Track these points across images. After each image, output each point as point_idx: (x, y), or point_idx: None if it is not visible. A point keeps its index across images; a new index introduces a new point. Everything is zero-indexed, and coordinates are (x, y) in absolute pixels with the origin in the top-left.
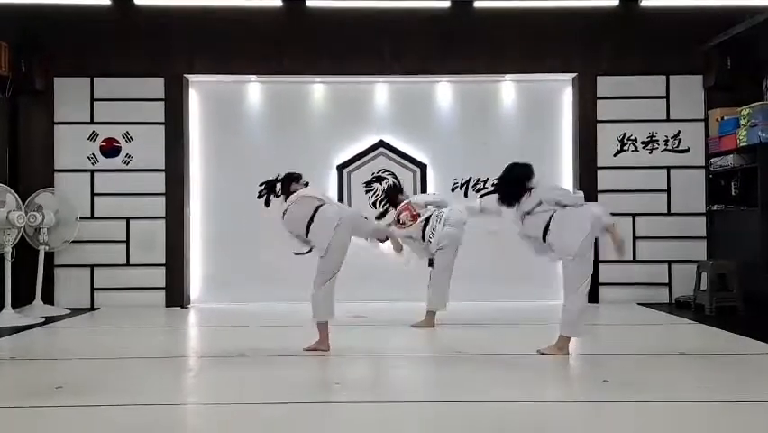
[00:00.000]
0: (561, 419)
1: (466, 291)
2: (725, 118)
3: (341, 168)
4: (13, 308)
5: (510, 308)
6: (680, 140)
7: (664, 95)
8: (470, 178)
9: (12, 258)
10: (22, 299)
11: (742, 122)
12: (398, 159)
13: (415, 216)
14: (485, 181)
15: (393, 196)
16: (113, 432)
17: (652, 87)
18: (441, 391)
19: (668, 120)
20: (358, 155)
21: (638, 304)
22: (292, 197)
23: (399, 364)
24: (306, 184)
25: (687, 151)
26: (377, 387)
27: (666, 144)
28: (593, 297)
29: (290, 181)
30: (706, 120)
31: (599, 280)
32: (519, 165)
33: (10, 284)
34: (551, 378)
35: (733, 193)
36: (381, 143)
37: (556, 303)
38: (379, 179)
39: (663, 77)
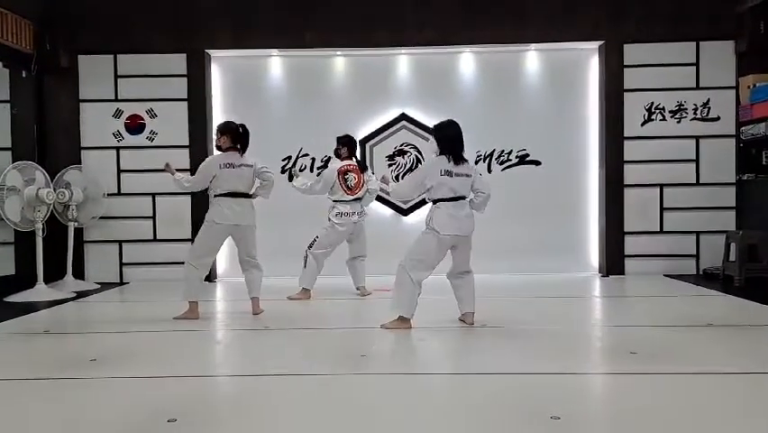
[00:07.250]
0: (589, 390)
1: (493, 264)
2: (757, 85)
3: (363, 142)
4: (46, 283)
5: (533, 281)
6: (709, 108)
7: (694, 62)
8: (494, 150)
9: (43, 234)
10: (53, 274)
11: None
12: (421, 132)
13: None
14: (509, 153)
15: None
16: (147, 403)
17: (681, 54)
18: (465, 363)
19: (697, 88)
20: (380, 129)
21: (665, 276)
22: None
23: (423, 336)
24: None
25: (717, 119)
26: (403, 358)
27: (695, 113)
28: (620, 268)
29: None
30: (737, 87)
31: (625, 253)
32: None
33: (42, 260)
34: (578, 350)
35: (764, 162)
36: (404, 116)
37: (584, 275)
38: (402, 153)
39: (693, 43)
